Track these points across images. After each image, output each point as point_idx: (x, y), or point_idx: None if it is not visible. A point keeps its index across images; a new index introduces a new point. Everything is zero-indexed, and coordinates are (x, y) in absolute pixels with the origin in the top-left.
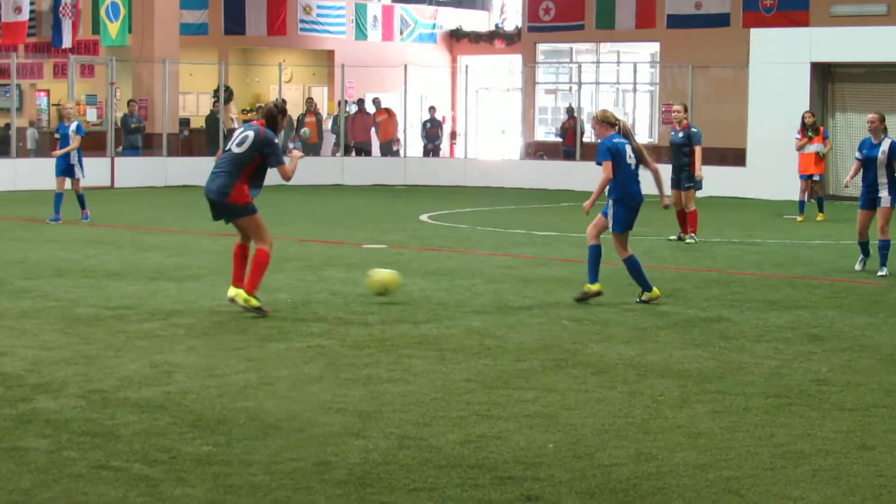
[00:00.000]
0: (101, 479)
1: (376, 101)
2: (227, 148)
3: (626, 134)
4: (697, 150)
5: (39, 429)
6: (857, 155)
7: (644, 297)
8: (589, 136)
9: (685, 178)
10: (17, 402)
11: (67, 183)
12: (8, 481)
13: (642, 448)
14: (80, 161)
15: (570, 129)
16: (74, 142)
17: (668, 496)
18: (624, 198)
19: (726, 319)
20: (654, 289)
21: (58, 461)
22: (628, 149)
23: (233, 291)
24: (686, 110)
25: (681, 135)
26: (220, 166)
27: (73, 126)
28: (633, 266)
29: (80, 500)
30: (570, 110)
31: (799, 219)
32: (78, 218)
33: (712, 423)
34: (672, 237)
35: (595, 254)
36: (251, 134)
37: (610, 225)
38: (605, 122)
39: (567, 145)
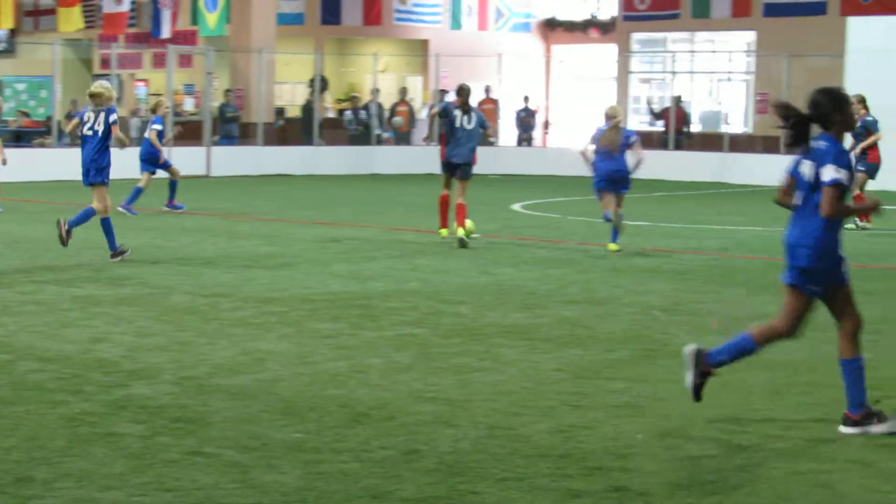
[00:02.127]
0: (193, 465)
1: (488, 89)
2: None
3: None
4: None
5: (134, 414)
6: None
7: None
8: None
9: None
10: (112, 387)
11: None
12: (103, 466)
13: (734, 439)
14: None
15: (668, 117)
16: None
17: (758, 488)
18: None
19: (819, 310)
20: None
21: (151, 447)
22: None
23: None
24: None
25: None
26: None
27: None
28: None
29: (172, 486)
30: (675, 99)
31: None
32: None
33: (804, 415)
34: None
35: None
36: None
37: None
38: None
39: (666, 133)
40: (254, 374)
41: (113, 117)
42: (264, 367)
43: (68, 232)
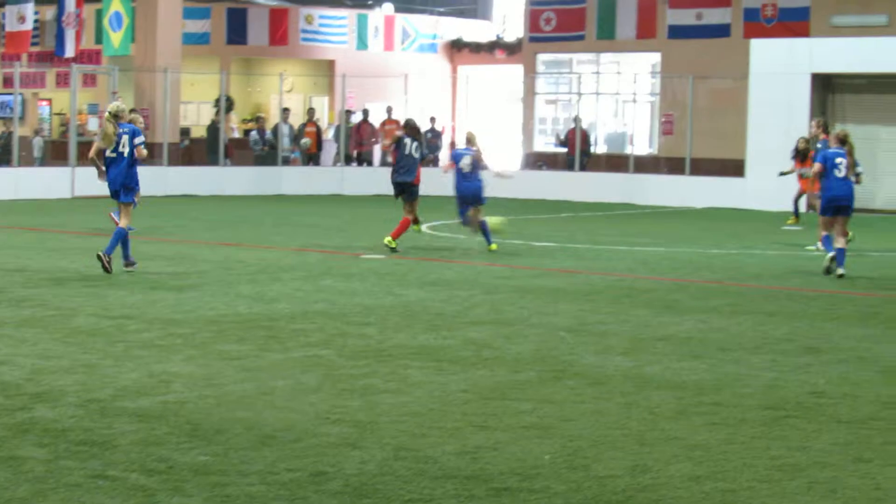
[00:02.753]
0: (98, 488)
1: (389, 109)
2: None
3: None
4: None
5: (37, 438)
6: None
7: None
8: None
9: None
10: (15, 411)
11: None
12: (5, 490)
13: (638, 460)
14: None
15: (572, 139)
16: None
17: None
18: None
19: (724, 330)
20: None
21: (55, 470)
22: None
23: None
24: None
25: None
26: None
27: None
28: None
29: None
30: (576, 119)
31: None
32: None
33: (708, 435)
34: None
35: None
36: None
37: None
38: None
39: (571, 154)
40: (159, 397)
41: (139, 139)
42: (170, 390)
43: (109, 261)
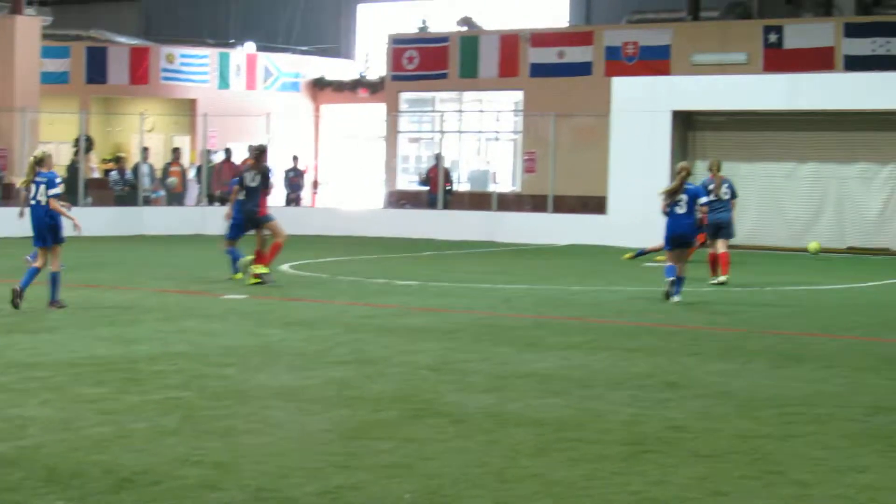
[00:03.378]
0: None
1: (251, 149)
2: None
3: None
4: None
5: None
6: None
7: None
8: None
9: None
10: None
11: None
12: None
13: (499, 497)
14: None
15: (434, 177)
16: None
17: None
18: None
19: (585, 367)
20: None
21: None
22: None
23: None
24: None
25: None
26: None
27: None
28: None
29: None
30: (438, 157)
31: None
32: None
33: (569, 472)
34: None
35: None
36: None
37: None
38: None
39: (432, 193)
40: (14, 442)
41: (53, 190)
42: (26, 434)
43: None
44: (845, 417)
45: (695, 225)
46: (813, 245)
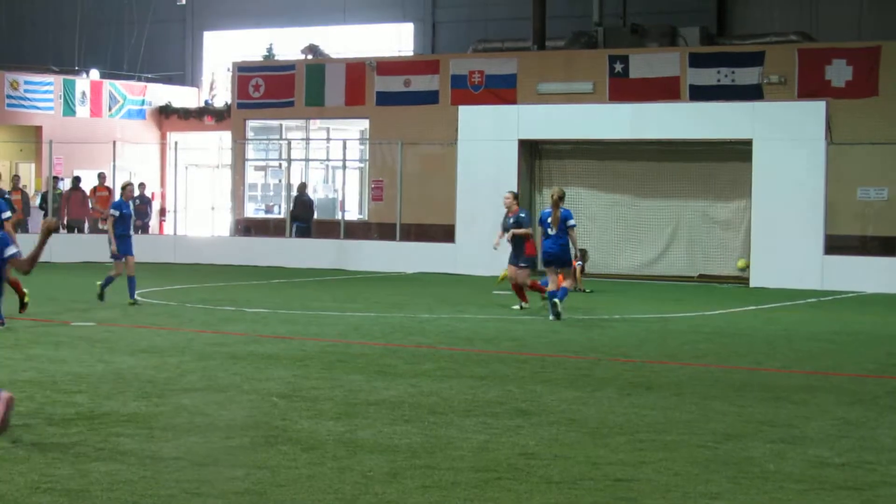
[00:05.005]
0: None
1: (101, 176)
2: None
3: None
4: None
5: None
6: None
7: None
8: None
9: (521, 258)
10: None
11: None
12: None
13: None
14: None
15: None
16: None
17: None
18: None
19: (435, 394)
20: None
21: None
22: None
23: None
24: (516, 197)
25: (511, 220)
26: None
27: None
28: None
29: None
30: (302, 186)
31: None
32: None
33: (421, 498)
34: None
35: None
36: None
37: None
38: None
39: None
40: None
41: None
42: None
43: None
44: (696, 444)
45: (567, 246)
46: (741, 262)
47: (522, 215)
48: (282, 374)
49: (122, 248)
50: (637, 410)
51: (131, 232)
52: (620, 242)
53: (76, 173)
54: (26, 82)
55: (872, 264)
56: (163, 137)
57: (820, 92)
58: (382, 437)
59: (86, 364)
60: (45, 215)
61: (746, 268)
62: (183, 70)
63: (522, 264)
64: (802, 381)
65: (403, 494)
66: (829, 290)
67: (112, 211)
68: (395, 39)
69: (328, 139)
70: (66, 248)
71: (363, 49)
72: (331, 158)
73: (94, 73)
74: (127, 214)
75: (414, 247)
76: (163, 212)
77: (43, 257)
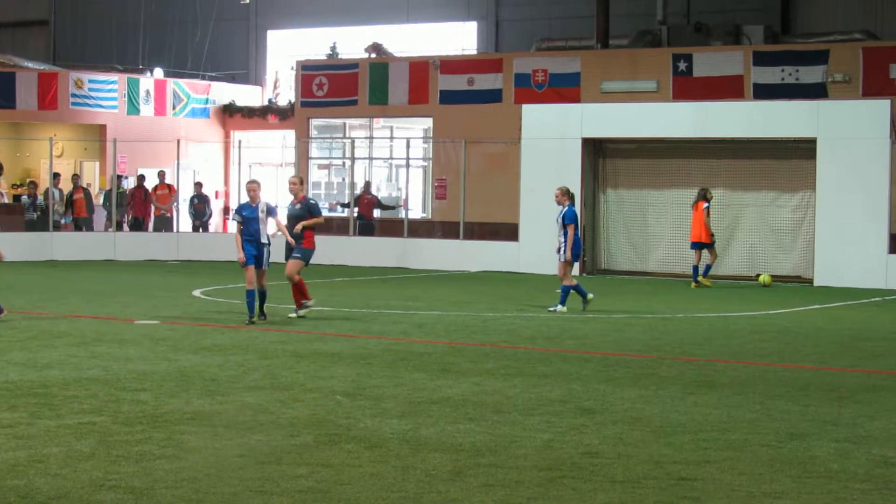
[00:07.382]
0: None
1: (161, 174)
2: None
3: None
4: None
5: None
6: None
7: None
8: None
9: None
10: None
11: None
12: None
13: None
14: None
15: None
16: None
17: None
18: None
19: (499, 393)
20: None
21: None
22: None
23: None
24: (302, 182)
25: (297, 206)
26: None
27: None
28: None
29: None
30: (367, 185)
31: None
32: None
33: (485, 497)
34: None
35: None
36: None
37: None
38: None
39: (368, 219)
40: None
41: None
42: None
43: None
44: (760, 443)
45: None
46: (763, 277)
47: (312, 202)
48: (345, 373)
49: (249, 256)
50: (701, 409)
51: (262, 239)
52: (684, 241)
53: (140, 171)
54: (91, 81)
55: None
56: (226, 136)
57: (884, 91)
58: (446, 435)
59: (150, 362)
60: (109, 214)
61: (769, 284)
62: (246, 69)
63: None
64: (867, 380)
65: (467, 493)
66: (894, 289)
67: (234, 216)
68: (458, 38)
69: (391, 138)
70: (129, 245)
71: (427, 48)
72: (394, 157)
73: (158, 72)
74: (250, 218)
75: (477, 245)
76: (226, 210)
77: (107, 255)
